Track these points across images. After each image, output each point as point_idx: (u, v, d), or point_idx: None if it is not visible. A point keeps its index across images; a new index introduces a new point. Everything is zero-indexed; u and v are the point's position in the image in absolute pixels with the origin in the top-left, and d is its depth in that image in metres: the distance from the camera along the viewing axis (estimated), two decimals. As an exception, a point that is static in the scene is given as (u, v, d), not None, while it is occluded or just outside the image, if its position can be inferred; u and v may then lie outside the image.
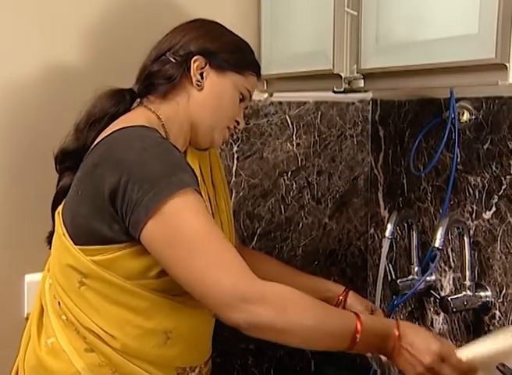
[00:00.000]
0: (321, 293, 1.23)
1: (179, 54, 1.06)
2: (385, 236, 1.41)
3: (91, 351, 1.01)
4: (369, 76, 1.24)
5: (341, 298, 1.25)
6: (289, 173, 1.60)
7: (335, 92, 1.34)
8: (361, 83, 1.26)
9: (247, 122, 1.53)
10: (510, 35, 0.93)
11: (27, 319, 1.38)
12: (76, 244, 1.00)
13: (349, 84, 1.27)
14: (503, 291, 1.28)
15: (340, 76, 1.27)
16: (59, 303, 1.03)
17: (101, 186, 0.93)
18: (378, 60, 1.19)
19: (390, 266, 1.60)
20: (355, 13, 1.23)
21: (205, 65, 1.07)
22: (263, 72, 1.50)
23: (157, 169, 0.92)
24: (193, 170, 0.98)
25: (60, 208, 1.06)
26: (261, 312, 0.88)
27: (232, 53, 1.09)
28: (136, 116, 1.04)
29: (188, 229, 0.91)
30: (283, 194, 1.60)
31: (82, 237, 0.99)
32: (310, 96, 1.59)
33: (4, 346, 1.37)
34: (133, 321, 1.00)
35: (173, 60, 1.06)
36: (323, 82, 1.33)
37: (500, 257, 1.29)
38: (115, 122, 1.04)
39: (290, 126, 1.58)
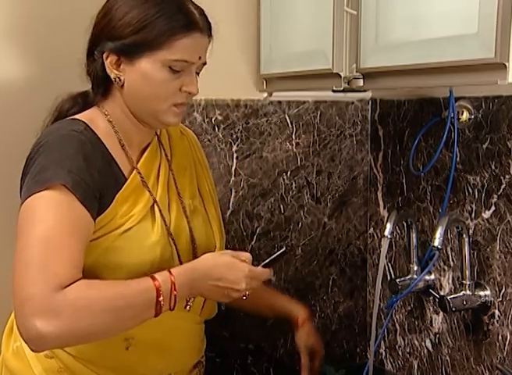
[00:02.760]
0: (278, 313, 1.29)
1: (95, 53, 1.01)
2: (384, 235, 1.41)
3: (51, 357, 1.01)
4: (368, 75, 1.24)
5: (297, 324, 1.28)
6: (289, 172, 1.60)
7: (334, 91, 1.34)
8: (361, 83, 1.26)
9: (247, 121, 1.53)
10: (510, 35, 0.93)
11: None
12: None
13: (348, 84, 1.27)
14: (503, 291, 1.28)
15: (340, 76, 1.27)
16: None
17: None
18: (378, 59, 1.19)
19: (389, 265, 1.60)
20: (354, 13, 1.23)
21: (118, 58, 0.99)
22: (262, 71, 1.51)
23: (38, 163, 0.94)
24: (110, 170, 0.98)
25: None
26: (43, 328, 0.83)
27: (139, 32, 0.97)
28: (81, 114, 1.03)
29: (30, 226, 0.90)
30: (283, 194, 1.60)
31: None
32: (309, 95, 1.59)
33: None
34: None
35: (95, 60, 1.02)
36: (322, 81, 1.33)
37: (500, 256, 1.29)
38: None
39: (290, 125, 1.58)
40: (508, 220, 1.26)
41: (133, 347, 1.02)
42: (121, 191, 1.00)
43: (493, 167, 1.29)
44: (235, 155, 1.52)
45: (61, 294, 0.85)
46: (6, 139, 1.39)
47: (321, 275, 1.68)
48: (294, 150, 1.60)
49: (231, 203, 1.53)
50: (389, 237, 1.41)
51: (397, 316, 1.60)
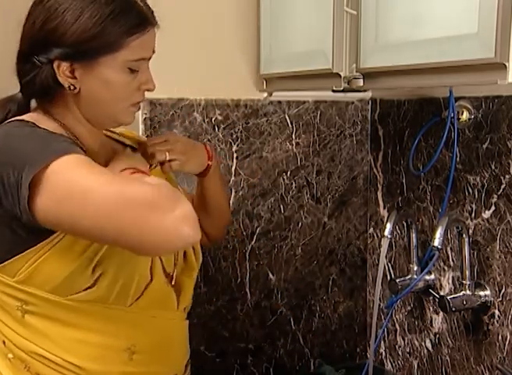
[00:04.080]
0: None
1: (39, 59, 0.92)
2: (384, 235, 1.41)
3: (60, 371, 0.94)
4: (368, 75, 1.24)
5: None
6: (289, 172, 1.60)
7: (334, 91, 1.34)
8: (361, 83, 1.26)
9: (247, 121, 1.53)
10: (510, 35, 0.93)
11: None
12: None
13: (348, 84, 1.27)
14: (502, 291, 1.28)
15: (340, 76, 1.27)
16: (4, 342, 0.95)
17: None
18: (378, 59, 1.19)
19: (389, 265, 1.60)
20: (354, 12, 1.23)
21: (70, 65, 0.91)
22: (262, 71, 1.51)
23: (24, 147, 0.84)
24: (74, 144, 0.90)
25: None
26: (177, 213, 0.80)
27: (94, 35, 0.90)
28: (21, 117, 0.94)
29: (81, 177, 0.82)
30: (283, 194, 1.60)
31: None
32: (309, 95, 1.59)
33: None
34: (89, 340, 0.93)
35: (38, 68, 0.92)
36: (322, 81, 1.33)
37: (499, 256, 1.29)
38: None
39: (290, 125, 1.58)
40: (508, 220, 1.26)
41: (137, 355, 0.97)
42: None
43: (493, 167, 1.29)
44: (235, 155, 1.52)
45: (158, 187, 0.82)
46: None
47: (321, 275, 1.68)
48: (294, 150, 1.60)
49: (231, 203, 1.53)
50: (389, 237, 1.41)
51: (397, 316, 1.60)
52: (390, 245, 1.57)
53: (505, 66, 0.94)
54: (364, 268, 1.73)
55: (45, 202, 0.82)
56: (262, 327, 1.60)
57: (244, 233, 1.56)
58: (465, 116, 1.34)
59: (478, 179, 1.33)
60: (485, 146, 1.31)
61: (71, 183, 0.81)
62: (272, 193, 1.59)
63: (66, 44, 0.90)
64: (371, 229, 1.70)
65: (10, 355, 0.95)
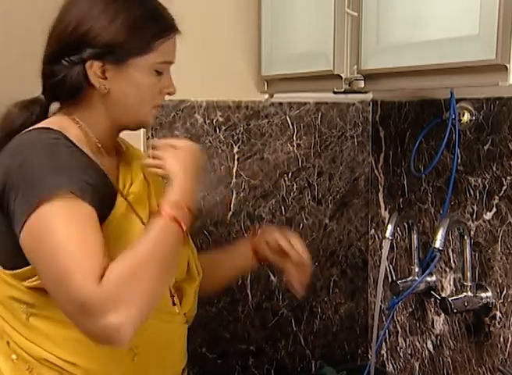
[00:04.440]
0: (238, 261, 1.23)
1: (71, 59, 0.94)
2: (385, 237, 1.41)
3: (60, 373, 0.94)
4: (369, 76, 1.24)
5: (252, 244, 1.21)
6: (290, 173, 1.60)
7: (335, 93, 1.34)
8: (362, 84, 1.26)
9: (248, 123, 1.53)
10: (511, 36, 0.93)
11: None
12: (8, 270, 0.93)
13: (349, 85, 1.28)
14: (504, 292, 1.28)
15: (341, 77, 1.27)
16: (8, 343, 0.96)
17: None
18: (379, 61, 1.19)
19: (391, 266, 1.60)
20: (355, 14, 1.23)
21: (102, 65, 0.95)
22: (263, 73, 1.51)
23: (32, 174, 0.87)
24: (102, 177, 0.94)
25: None
26: (115, 322, 0.81)
27: (128, 37, 0.95)
28: (47, 121, 0.97)
29: (49, 234, 0.85)
30: (284, 195, 1.60)
31: (7, 260, 0.94)
32: (310, 97, 1.59)
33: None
34: (89, 342, 0.90)
35: (69, 68, 0.95)
36: (323, 83, 1.33)
37: (501, 258, 1.28)
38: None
39: (291, 127, 1.58)
40: (509, 222, 1.26)
41: (138, 356, 0.97)
42: (112, 215, 0.94)
43: (494, 169, 1.29)
44: (236, 157, 1.52)
45: (106, 282, 0.82)
46: None
47: (323, 276, 1.68)
48: (295, 151, 1.60)
49: (232, 205, 1.53)
50: (390, 238, 1.41)
51: (398, 318, 1.60)
52: (391, 247, 1.57)
53: (506, 67, 0.94)
54: (366, 269, 1.73)
55: (24, 243, 0.87)
56: (263, 329, 1.60)
57: (245, 234, 1.56)
58: (466, 117, 1.34)
59: (479, 180, 1.33)
60: (486, 148, 1.31)
61: (44, 238, 0.85)
62: (273, 194, 1.59)
63: (99, 45, 0.94)
64: (373, 230, 1.70)
65: (14, 356, 0.96)
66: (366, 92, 1.60)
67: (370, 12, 1.19)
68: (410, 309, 1.56)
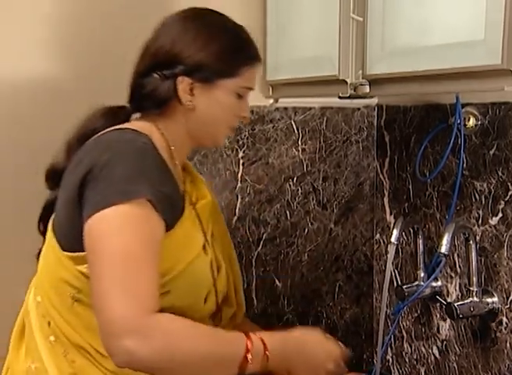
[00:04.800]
0: None
1: (164, 74, 1.01)
2: (391, 241, 1.40)
3: None
4: (375, 81, 1.24)
5: None
6: (295, 178, 1.60)
7: (340, 98, 1.34)
8: (367, 89, 1.26)
9: (253, 128, 1.53)
10: (516, 41, 0.93)
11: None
12: (64, 251, 0.96)
13: (354, 90, 1.28)
14: (510, 297, 1.28)
15: (346, 82, 1.27)
16: (49, 323, 0.99)
17: (76, 184, 0.92)
18: (384, 66, 1.19)
19: (396, 271, 1.60)
20: (360, 19, 1.23)
21: (191, 83, 1.02)
22: (268, 78, 1.52)
23: (119, 172, 0.90)
24: (175, 186, 0.98)
25: (51, 220, 1.02)
26: (136, 349, 0.83)
27: (220, 60, 1.03)
28: (131, 124, 1.03)
29: (115, 244, 0.87)
30: (289, 200, 1.60)
31: (68, 242, 0.96)
32: (315, 102, 1.59)
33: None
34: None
35: (160, 81, 1.02)
36: (329, 88, 1.33)
37: (507, 263, 1.28)
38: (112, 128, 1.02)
39: (296, 131, 1.59)
40: (515, 227, 1.26)
41: None
42: (180, 222, 0.98)
43: (500, 173, 1.28)
44: (241, 161, 1.53)
45: (152, 319, 0.85)
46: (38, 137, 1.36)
47: (328, 281, 1.68)
48: (300, 156, 1.60)
49: (237, 209, 1.53)
50: (395, 243, 1.41)
51: (404, 323, 1.60)
52: (397, 252, 1.57)
53: (511, 72, 0.94)
54: (371, 274, 1.73)
55: (85, 234, 0.89)
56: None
57: (250, 239, 1.56)
58: (472, 122, 1.34)
59: (485, 185, 1.32)
60: (491, 152, 1.31)
61: (104, 242, 0.87)
62: (278, 199, 1.59)
63: (191, 64, 1.01)
64: (378, 235, 1.70)
65: (52, 338, 0.98)
66: (371, 97, 1.60)
67: (375, 16, 1.19)
68: (416, 314, 1.56)
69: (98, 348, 0.95)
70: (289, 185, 1.60)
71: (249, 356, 0.90)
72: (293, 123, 1.58)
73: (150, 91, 1.02)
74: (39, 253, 1.06)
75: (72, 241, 0.94)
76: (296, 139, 1.59)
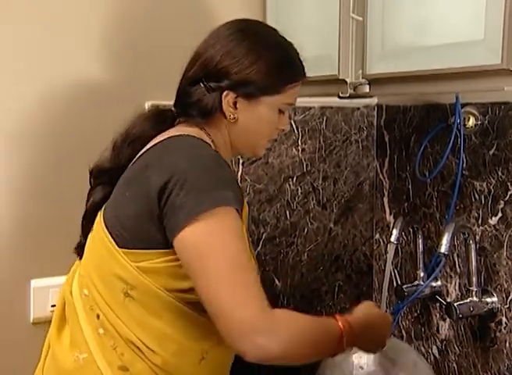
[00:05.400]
0: None
1: (211, 85, 1.04)
2: (390, 241, 1.41)
3: (126, 369, 0.99)
4: (374, 81, 1.24)
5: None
6: (295, 178, 1.60)
7: (340, 97, 1.34)
8: (367, 89, 1.26)
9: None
10: (516, 41, 0.93)
11: (34, 324, 1.40)
12: (119, 247, 0.99)
13: (354, 90, 1.28)
14: (510, 297, 1.28)
15: (346, 82, 1.27)
16: (98, 316, 1.01)
17: (150, 186, 0.94)
18: (384, 65, 1.19)
19: (396, 271, 1.60)
20: (360, 19, 1.24)
21: (236, 97, 1.05)
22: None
23: (206, 180, 0.93)
24: (241, 191, 1.00)
25: (100, 216, 1.05)
26: (267, 346, 0.88)
27: (266, 78, 1.05)
28: (187, 129, 1.05)
29: (222, 248, 0.91)
30: (288, 200, 1.60)
31: (128, 240, 0.98)
32: (315, 101, 1.59)
33: (11, 352, 1.38)
34: (172, 336, 0.99)
35: (206, 91, 1.05)
36: (329, 87, 1.33)
37: (507, 263, 1.28)
38: (163, 133, 1.05)
39: (296, 131, 1.59)
40: (515, 226, 1.26)
41: (205, 360, 1.03)
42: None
43: (500, 173, 1.29)
44: (241, 161, 1.53)
45: (274, 315, 0.90)
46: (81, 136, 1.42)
47: (327, 281, 1.68)
48: (300, 156, 1.60)
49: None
50: (395, 243, 1.41)
51: (404, 323, 1.60)
52: (396, 251, 1.57)
53: (511, 72, 0.94)
54: (370, 274, 1.73)
55: (187, 244, 0.91)
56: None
57: (250, 239, 1.56)
58: (471, 122, 1.34)
59: (484, 185, 1.33)
60: (491, 152, 1.31)
61: (215, 249, 0.90)
62: (278, 199, 1.59)
63: (237, 79, 1.03)
64: (377, 235, 1.70)
65: (101, 331, 1.00)
66: (371, 97, 1.61)
67: (375, 16, 1.20)
68: (416, 314, 1.56)
69: (148, 343, 0.98)
70: (289, 185, 1.60)
71: (344, 340, 0.98)
72: (292, 122, 1.58)
73: (196, 101, 1.05)
74: (78, 247, 1.11)
75: (134, 239, 0.98)
76: (296, 139, 1.59)
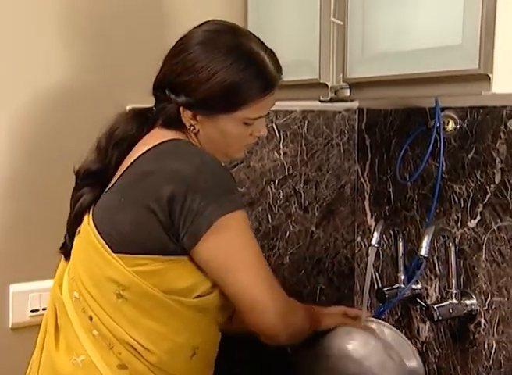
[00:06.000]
0: None
1: (170, 97, 1.02)
2: (371, 244, 1.41)
3: (125, 367, 0.99)
4: (355, 85, 1.25)
5: None
6: (276, 181, 1.60)
7: (321, 101, 1.34)
8: (347, 93, 1.27)
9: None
10: (493, 46, 0.94)
11: (13, 329, 1.38)
12: (114, 253, 0.99)
13: (335, 94, 1.28)
14: (488, 299, 1.29)
15: (327, 86, 1.27)
16: (91, 318, 1.01)
17: (155, 194, 0.95)
18: (364, 69, 1.20)
19: (377, 274, 1.61)
20: (341, 23, 1.24)
21: (193, 114, 1.03)
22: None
23: (218, 184, 0.96)
24: None
25: (89, 219, 1.04)
26: (294, 325, 1.07)
27: (222, 98, 1.00)
28: (173, 133, 1.04)
29: (247, 249, 0.99)
30: (270, 203, 1.60)
31: (124, 245, 0.99)
32: (297, 105, 1.59)
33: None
34: (166, 335, 1.01)
35: (167, 101, 1.03)
36: (310, 91, 1.34)
37: (485, 265, 1.29)
38: (151, 135, 1.05)
39: (277, 134, 1.59)
40: (493, 229, 1.27)
41: (196, 356, 1.05)
42: None
43: (479, 176, 1.30)
44: (222, 164, 1.52)
45: (291, 302, 1.11)
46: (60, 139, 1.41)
47: (309, 284, 1.68)
48: (282, 159, 1.60)
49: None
50: (376, 246, 1.41)
51: (385, 325, 1.60)
52: (377, 254, 1.58)
53: (488, 76, 0.95)
54: (352, 277, 1.74)
55: (213, 249, 0.96)
56: (247, 339, 1.59)
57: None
58: (451, 125, 1.35)
59: (463, 188, 1.34)
60: (470, 156, 1.32)
61: (244, 250, 0.99)
62: (260, 202, 1.59)
63: (194, 97, 1.00)
64: (359, 238, 1.70)
65: (95, 332, 1.00)
66: (352, 100, 1.61)
67: (355, 21, 1.20)
68: (396, 317, 1.57)
69: (142, 342, 0.99)
70: (271, 188, 1.60)
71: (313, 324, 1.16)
72: (274, 126, 1.58)
73: (162, 108, 1.05)
74: (63, 247, 1.10)
75: (130, 244, 0.98)
76: (278, 142, 1.59)
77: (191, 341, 1.04)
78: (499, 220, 1.26)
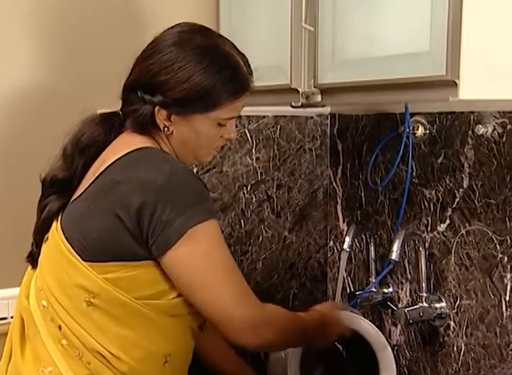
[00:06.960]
0: None
1: (145, 98, 1.02)
2: (343, 249, 1.42)
3: None
4: (326, 91, 1.26)
5: None
6: (249, 186, 1.60)
7: (293, 107, 1.35)
8: (319, 98, 1.28)
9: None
10: (459, 53, 0.96)
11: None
12: (84, 261, 0.98)
13: (306, 99, 1.29)
14: (457, 302, 1.31)
15: (298, 91, 1.28)
16: (60, 327, 0.99)
17: (124, 202, 0.94)
18: (335, 75, 1.21)
19: (349, 278, 1.62)
20: (312, 29, 1.25)
21: (168, 114, 1.03)
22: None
23: (188, 194, 0.96)
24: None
25: (56, 225, 1.03)
26: (266, 335, 1.02)
27: (198, 97, 1.01)
28: (141, 139, 1.04)
29: (218, 257, 0.98)
30: (243, 208, 1.60)
31: (93, 252, 0.98)
32: (269, 110, 1.60)
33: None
34: (137, 343, 1.00)
35: (141, 103, 1.03)
36: (281, 97, 1.34)
37: (454, 269, 1.31)
38: (120, 141, 1.04)
39: (250, 140, 1.59)
40: (462, 233, 1.29)
41: (168, 363, 1.04)
42: None
43: (447, 181, 1.32)
44: (195, 170, 1.52)
45: (267, 309, 1.06)
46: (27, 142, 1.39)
47: (282, 289, 1.68)
48: (254, 164, 1.60)
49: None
50: (348, 250, 1.43)
51: (357, 329, 1.61)
52: (350, 259, 1.59)
53: (455, 83, 0.97)
54: (325, 281, 1.74)
55: (181, 259, 0.95)
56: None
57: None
58: (420, 131, 1.37)
59: (433, 193, 1.36)
60: (439, 161, 1.34)
61: (212, 260, 0.98)
62: (233, 207, 1.58)
63: (170, 97, 1.01)
64: (331, 242, 1.71)
65: (64, 342, 0.99)
66: (323, 106, 1.62)
67: (326, 27, 1.21)
68: (368, 320, 1.58)
69: (113, 350, 0.98)
70: (244, 193, 1.60)
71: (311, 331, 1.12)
72: (246, 131, 1.58)
73: (133, 110, 1.04)
74: (30, 256, 1.08)
75: (99, 252, 0.97)
76: (250, 147, 1.59)
77: (163, 348, 1.03)
78: (467, 224, 1.28)
